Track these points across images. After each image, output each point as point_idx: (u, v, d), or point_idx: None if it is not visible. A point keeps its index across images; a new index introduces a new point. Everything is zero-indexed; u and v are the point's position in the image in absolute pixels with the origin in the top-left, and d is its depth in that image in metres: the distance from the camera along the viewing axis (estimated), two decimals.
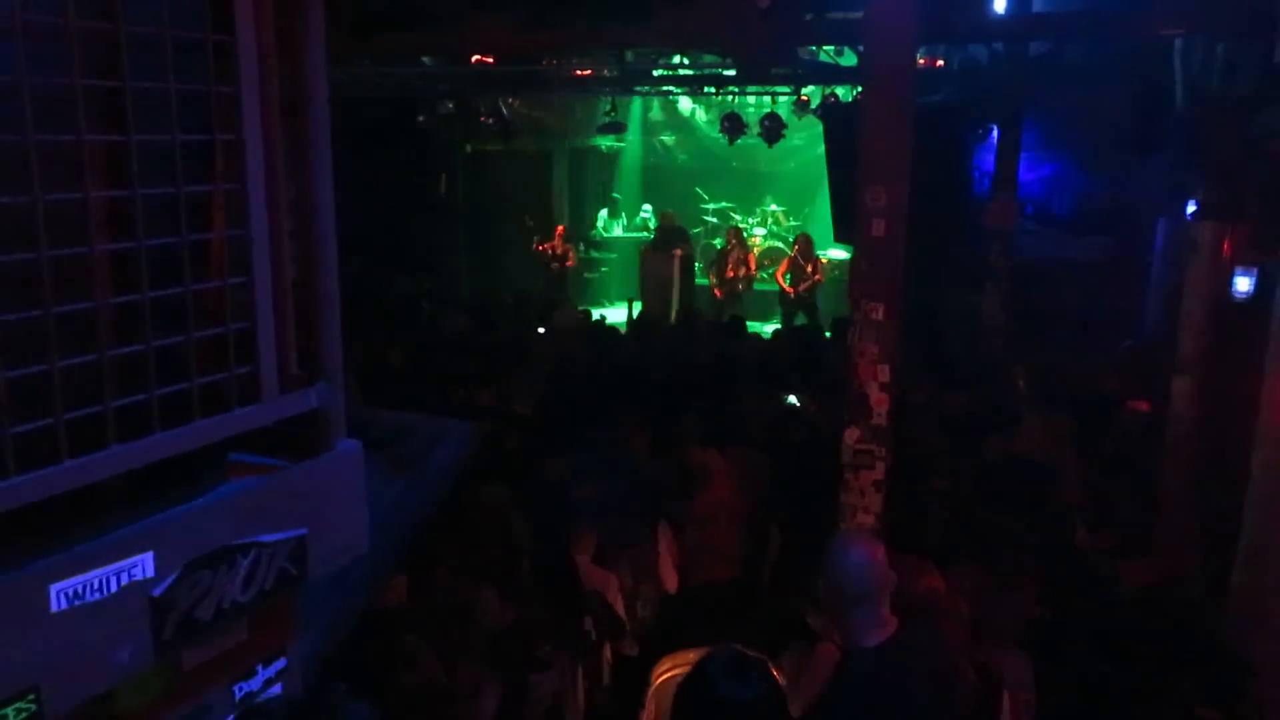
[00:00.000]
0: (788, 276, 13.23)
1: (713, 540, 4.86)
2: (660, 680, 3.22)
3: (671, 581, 4.61)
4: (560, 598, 3.74)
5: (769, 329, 11.39)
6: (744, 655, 2.35)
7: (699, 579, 4.77)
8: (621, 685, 3.99)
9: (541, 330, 9.68)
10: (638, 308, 12.97)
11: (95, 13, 1.05)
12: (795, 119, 12.61)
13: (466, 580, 3.50)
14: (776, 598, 4.70)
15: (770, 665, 2.44)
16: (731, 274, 13.63)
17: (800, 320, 12.33)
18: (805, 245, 13.24)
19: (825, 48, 10.32)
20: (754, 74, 11.60)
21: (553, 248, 14.12)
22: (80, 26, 1.03)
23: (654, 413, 5.65)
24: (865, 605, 2.71)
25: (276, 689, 1.43)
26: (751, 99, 13.71)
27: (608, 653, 4.09)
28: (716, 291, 13.75)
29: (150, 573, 1.12)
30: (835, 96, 11.58)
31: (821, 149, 11.78)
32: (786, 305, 13.16)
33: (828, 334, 9.55)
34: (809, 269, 13.04)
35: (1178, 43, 7.33)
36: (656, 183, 17.38)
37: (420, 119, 13.22)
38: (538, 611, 3.54)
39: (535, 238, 14.04)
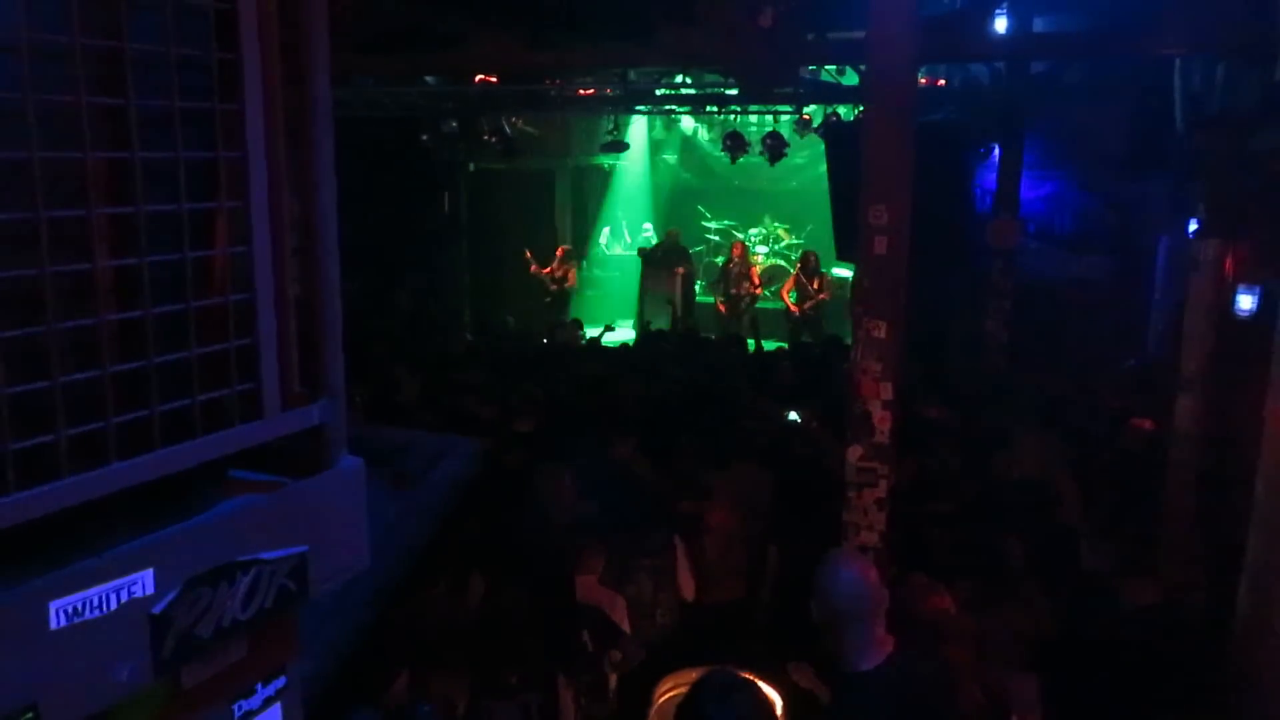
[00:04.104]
0: (792, 294, 13.24)
1: (721, 559, 4.85)
2: (662, 700, 3.22)
3: (689, 589, 4.59)
4: (554, 615, 3.72)
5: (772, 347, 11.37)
6: (732, 678, 2.39)
7: (708, 599, 4.75)
8: (625, 703, 3.97)
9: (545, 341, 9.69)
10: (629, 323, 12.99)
11: (100, 30, 1.06)
12: (797, 138, 12.67)
13: (455, 601, 3.47)
14: (777, 616, 4.68)
15: (759, 687, 2.47)
16: (736, 290, 13.65)
17: (805, 338, 12.34)
18: (810, 262, 13.25)
19: (827, 67, 10.38)
20: (756, 93, 11.65)
21: (552, 270, 14.11)
22: (85, 44, 1.03)
23: (656, 429, 5.64)
24: (859, 625, 2.69)
25: (276, 708, 1.42)
26: (754, 118, 13.78)
27: (613, 674, 4.07)
28: (721, 307, 13.76)
29: (150, 590, 1.12)
30: (837, 115, 11.63)
31: (823, 168, 11.83)
32: (792, 323, 13.16)
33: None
34: (814, 286, 13.04)
35: (1178, 62, 7.37)
36: (659, 201, 17.44)
37: (423, 138, 13.27)
38: (514, 636, 3.49)
39: (533, 264, 13.97)
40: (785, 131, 12.34)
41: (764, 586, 4.98)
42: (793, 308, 13.15)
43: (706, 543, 4.82)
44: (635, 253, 15.36)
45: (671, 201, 17.36)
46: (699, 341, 10.46)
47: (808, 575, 2.86)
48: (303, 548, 1.31)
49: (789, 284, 13.45)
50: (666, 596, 4.47)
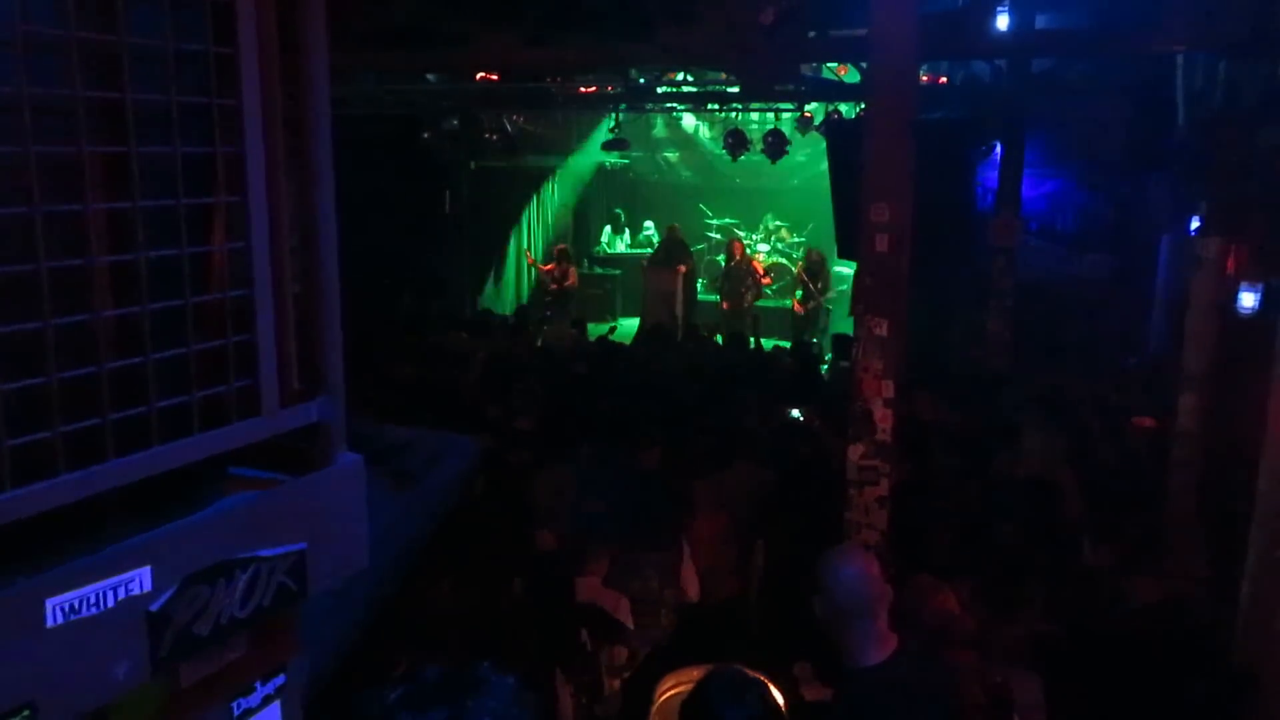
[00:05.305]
0: (798, 293, 13.26)
1: (718, 559, 4.85)
2: (664, 698, 3.20)
3: (694, 589, 4.58)
4: (554, 614, 3.71)
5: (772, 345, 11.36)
6: (743, 676, 2.36)
7: (704, 598, 4.75)
8: (625, 701, 3.97)
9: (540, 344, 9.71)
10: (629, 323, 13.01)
11: (97, 24, 1.05)
12: (799, 135, 12.66)
13: (454, 599, 3.46)
14: (769, 614, 4.67)
15: (769, 686, 2.44)
16: (741, 288, 13.65)
17: (807, 337, 12.35)
18: (812, 260, 13.24)
19: (828, 65, 10.36)
20: (757, 91, 11.64)
21: (552, 269, 14.13)
22: (82, 38, 1.03)
23: (657, 427, 5.63)
24: (862, 620, 2.68)
25: (275, 706, 1.41)
26: (755, 115, 13.78)
27: (613, 674, 4.06)
28: (725, 304, 13.76)
29: (148, 587, 1.11)
30: (838, 113, 11.62)
31: (825, 165, 11.81)
32: (797, 321, 13.18)
33: (829, 354, 9.56)
34: (817, 286, 13.04)
35: (1180, 59, 7.35)
36: (660, 199, 17.44)
37: (425, 135, 13.26)
38: (513, 634, 3.47)
39: (529, 255, 14.02)
40: (787, 129, 12.33)
41: (751, 583, 4.97)
42: (797, 306, 13.17)
43: (698, 550, 4.82)
44: (635, 249, 15.37)
45: (673, 200, 17.35)
46: (700, 340, 10.46)
47: (808, 573, 2.86)
48: (301, 545, 1.31)
49: (794, 285, 13.50)
50: (672, 594, 4.46)
